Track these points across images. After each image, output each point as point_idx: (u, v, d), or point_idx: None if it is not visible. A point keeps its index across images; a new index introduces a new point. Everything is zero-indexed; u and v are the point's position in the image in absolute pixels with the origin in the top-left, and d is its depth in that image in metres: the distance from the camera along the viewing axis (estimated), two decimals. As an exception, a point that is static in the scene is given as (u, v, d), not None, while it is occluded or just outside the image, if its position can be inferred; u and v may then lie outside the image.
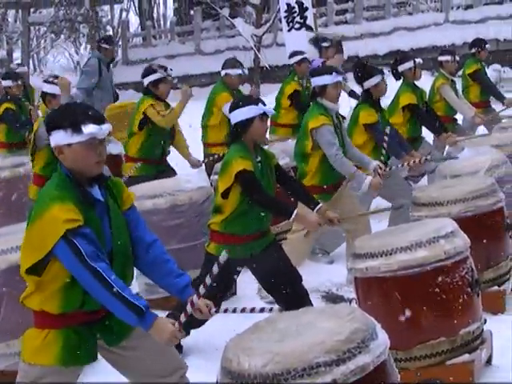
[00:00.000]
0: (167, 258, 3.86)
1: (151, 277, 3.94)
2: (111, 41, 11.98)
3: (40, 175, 7.16)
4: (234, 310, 3.82)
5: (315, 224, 5.40)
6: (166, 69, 7.99)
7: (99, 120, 3.63)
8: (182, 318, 3.64)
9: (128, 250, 3.78)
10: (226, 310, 3.86)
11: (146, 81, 7.93)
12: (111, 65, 11.82)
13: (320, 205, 5.56)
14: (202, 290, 3.65)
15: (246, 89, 13.64)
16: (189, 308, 3.64)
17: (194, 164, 8.22)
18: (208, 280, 3.63)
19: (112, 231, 3.69)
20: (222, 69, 9.31)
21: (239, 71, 9.23)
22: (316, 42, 11.33)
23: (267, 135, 7.89)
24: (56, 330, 3.65)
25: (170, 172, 8.07)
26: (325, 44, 11.42)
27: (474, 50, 10.63)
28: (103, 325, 3.74)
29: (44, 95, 7.57)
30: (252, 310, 3.80)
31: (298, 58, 10.28)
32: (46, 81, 7.77)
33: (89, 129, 3.55)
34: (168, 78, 7.92)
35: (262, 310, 3.81)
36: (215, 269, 3.54)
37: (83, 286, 3.51)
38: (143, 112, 7.73)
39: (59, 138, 3.59)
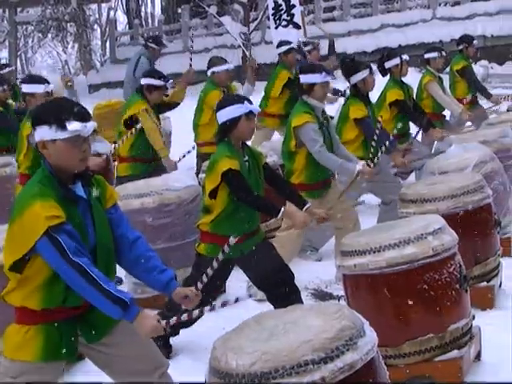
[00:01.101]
0: (150, 255, 3.87)
1: (135, 273, 3.95)
2: (160, 41, 11.97)
3: (26, 175, 7.13)
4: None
5: (302, 223, 5.41)
6: (167, 80, 7.97)
7: (84, 117, 3.62)
8: (172, 320, 3.65)
9: (111, 247, 3.78)
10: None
11: (144, 81, 7.91)
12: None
13: (308, 204, 5.57)
14: (198, 285, 3.69)
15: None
16: (172, 320, 3.66)
17: (170, 166, 8.03)
18: (209, 271, 3.67)
19: (95, 228, 3.69)
20: (208, 69, 9.30)
21: (225, 67, 9.21)
22: (298, 48, 11.31)
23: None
24: (37, 326, 3.64)
25: (162, 171, 8.07)
26: (307, 48, 11.43)
27: (461, 47, 10.65)
28: (84, 321, 3.74)
29: (24, 95, 7.55)
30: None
31: (286, 47, 10.28)
32: (22, 81, 7.77)
33: (73, 126, 3.55)
34: (164, 88, 7.92)
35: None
36: (220, 256, 3.58)
37: (67, 282, 3.51)
38: (135, 113, 7.74)
39: (43, 133, 3.59)
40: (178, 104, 8.62)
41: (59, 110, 3.60)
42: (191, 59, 9.65)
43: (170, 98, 8.43)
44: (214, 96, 8.86)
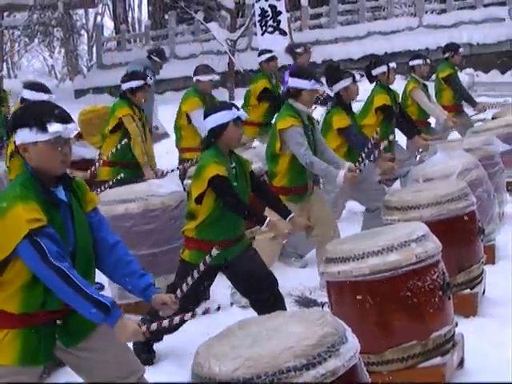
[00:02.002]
0: (130, 259, 3.88)
1: (114, 278, 3.95)
2: (163, 55, 11.95)
3: None
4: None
5: (286, 234, 5.46)
6: (145, 77, 7.98)
7: (65, 119, 3.62)
8: (154, 326, 3.65)
9: (90, 251, 3.78)
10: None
11: (125, 86, 7.92)
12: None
13: (292, 214, 5.58)
14: (178, 292, 3.69)
15: (219, 94, 13.70)
16: (154, 326, 3.65)
17: (149, 176, 7.91)
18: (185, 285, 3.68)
19: (75, 232, 3.69)
20: (194, 75, 9.36)
21: (210, 77, 9.28)
22: (290, 49, 11.37)
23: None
24: (15, 330, 3.63)
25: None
26: (298, 50, 11.46)
27: (447, 55, 10.70)
28: (63, 325, 3.73)
29: (23, 100, 7.44)
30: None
31: (267, 56, 10.38)
32: (25, 86, 7.63)
33: (54, 127, 3.55)
34: (146, 86, 7.93)
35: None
36: (202, 266, 3.59)
37: (48, 285, 3.50)
38: (119, 117, 7.74)
39: (24, 136, 3.59)
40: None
41: (39, 113, 3.60)
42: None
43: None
44: (193, 103, 8.97)
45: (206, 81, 9.27)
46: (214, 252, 3.74)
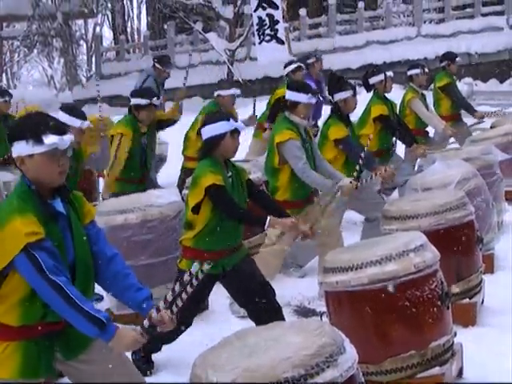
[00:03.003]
0: (127, 272, 3.86)
1: (111, 291, 3.95)
2: (165, 61, 11.50)
3: None
4: None
5: (290, 223, 5.34)
6: (153, 96, 7.92)
7: (61, 130, 3.62)
8: (146, 323, 3.63)
9: (89, 263, 3.77)
10: None
11: (132, 102, 7.89)
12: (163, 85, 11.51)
13: (293, 218, 5.56)
14: (169, 305, 3.66)
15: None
16: (146, 322, 3.64)
17: None
18: (184, 296, 3.66)
19: (74, 244, 3.68)
20: (216, 90, 9.43)
21: (231, 91, 9.29)
22: (302, 60, 11.39)
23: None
24: (15, 343, 3.62)
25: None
26: (310, 61, 11.48)
27: (444, 64, 10.70)
28: (63, 337, 3.73)
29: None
30: None
31: (293, 66, 10.47)
32: (62, 109, 7.33)
33: (50, 139, 3.55)
34: (151, 106, 7.86)
35: None
36: (186, 278, 3.56)
37: (44, 300, 3.50)
38: (112, 134, 7.74)
39: (21, 148, 3.58)
40: (176, 121, 8.63)
41: (35, 125, 3.60)
42: (186, 78, 9.66)
43: (167, 116, 8.42)
44: None
45: (227, 95, 9.28)
46: (206, 267, 3.72)
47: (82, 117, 7.00)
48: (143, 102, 7.80)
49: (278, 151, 6.49)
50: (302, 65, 10.65)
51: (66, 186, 3.73)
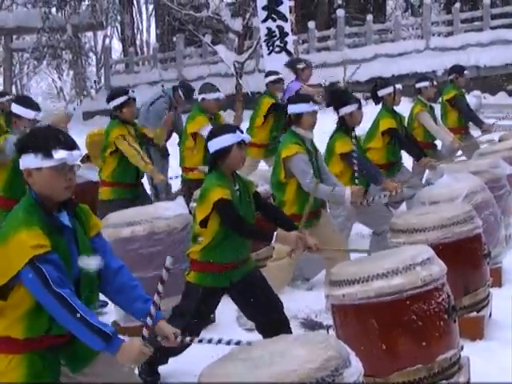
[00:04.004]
0: (134, 284, 3.88)
1: (118, 302, 3.96)
2: (189, 95, 10.74)
3: (1, 196, 7.07)
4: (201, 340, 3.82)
5: (296, 239, 5.29)
6: (127, 92, 7.99)
7: (70, 145, 3.64)
8: (144, 332, 3.64)
9: (94, 276, 3.78)
10: (200, 341, 3.86)
11: (111, 105, 7.95)
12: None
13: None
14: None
15: (227, 116, 13.69)
16: (144, 331, 3.64)
17: (157, 179, 8.13)
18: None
19: (80, 257, 3.69)
20: (199, 93, 9.28)
21: (215, 95, 9.19)
22: (291, 64, 11.38)
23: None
24: (20, 356, 3.62)
25: (145, 197, 8.10)
26: (300, 66, 11.49)
27: (452, 77, 10.70)
28: (68, 350, 3.73)
29: (10, 114, 7.41)
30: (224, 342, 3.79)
31: (274, 77, 10.39)
32: (15, 100, 7.61)
33: (59, 154, 3.57)
34: (130, 101, 7.92)
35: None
36: (165, 275, 3.59)
37: (49, 312, 3.51)
38: (113, 141, 7.77)
39: (29, 161, 3.60)
40: (158, 144, 8.69)
41: (45, 138, 3.62)
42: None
43: (152, 136, 8.40)
44: (200, 121, 8.91)
45: (212, 99, 9.19)
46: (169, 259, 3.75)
47: (36, 108, 7.14)
48: (122, 99, 7.85)
49: (285, 165, 6.49)
50: (283, 78, 10.59)
51: (72, 199, 3.74)
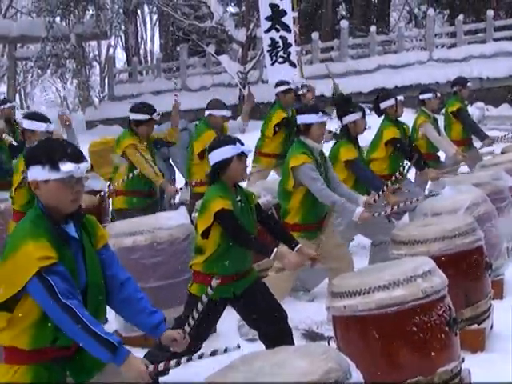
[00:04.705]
0: (140, 296, 3.89)
1: (124, 314, 3.96)
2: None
3: (20, 212, 7.12)
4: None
5: (294, 265, 5.33)
6: (153, 112, 7.98)
7: (77, 158, 3.64)
8: (161, 366, 3.64)
9: (101, 287, 3.79)
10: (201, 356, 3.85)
11: (131, 117, 7.96)
12: None
13: (300, 245, 5.55)
14: (186, 328, 3.68)
15: (230, 126, 13.66)
16: (172, 363, 3.64)
17: (169, 190, 8.16)
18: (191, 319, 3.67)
19: (86, 269, 3.70)
20: (207, 109, 9.27)
21: (223, 113, 9.18)
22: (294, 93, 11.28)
23: (249, 168, 7.94)
24: (26, 366, 3.63)
25: (157, 206, 8.12)
26: (302, 91, 11.49)
27: (455, 89, 10.71)
28: (74, 361, 3.74)
29: (24, 131, 7.56)
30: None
31: (284, 87, 10.33)
32: (25, 117, 7.75)
33: (66, 167, 3.58)
34: (151, 121, 7.93)
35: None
36: (204, 298, 3.58)
37: (56, 323, 3.51)
38: (123, 150, 7.78)
39: (36, 173, 3.62)
40: (174, 143, 8.67)
41: (53, 151, 3.63)
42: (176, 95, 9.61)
43: (165, 138, 8.46)
44: (209, 136, 8.88)
45: (219, 116, 9.19)
46: (214, 282, 3.75)
47: (46, 120, 7.35)
48: (144, 117, 7.87)
49: (293, 175, 6.48)
50: (294, 88, 10.56)
51: (79, 211, 3.75)
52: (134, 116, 7.94)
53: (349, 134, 7.43)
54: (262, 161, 10.10)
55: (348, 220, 6.83)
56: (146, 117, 7.89)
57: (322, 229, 6.61)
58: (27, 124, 7.46)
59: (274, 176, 10.24)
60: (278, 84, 10.56)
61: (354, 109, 7.46)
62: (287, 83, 10.49)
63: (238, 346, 3.82)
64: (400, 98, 8.93)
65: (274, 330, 5.31)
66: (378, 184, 7.26)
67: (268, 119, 10.27)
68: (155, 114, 7.94)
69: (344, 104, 7.61)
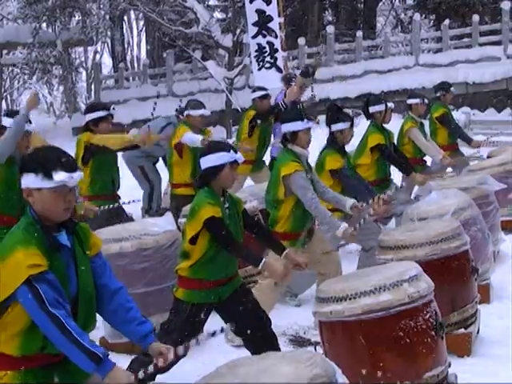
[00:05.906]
0: (130, 306, 3.89)
1: (113, 323, 3.95)
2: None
3: None
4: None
5: (282, 276, 5.33)
6: (108, 108, 7.97)
7: (71, 168, 3.64)
8: (141, 374, 3.62)
9: (92, 296, 3.79)
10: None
11: (88, 118, 7.92)
12: None
13: (287, 250, 5.53)
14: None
15: (216, 132, 13.66)
16: (141, 374, 3.62)
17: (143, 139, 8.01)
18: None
19: (78, 277, 3.70)
20: (185, 110, 9.26)
21: (200, 112, 9.13)
22: (287, 80, 11.31)
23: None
24: (14, 372, 3.62)
25: (120, 211, 8.08)
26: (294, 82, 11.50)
27: (439, 94, 10.76)
28: (62, 368, 3.72)
29: (1, 128, 7.38)
30: None
31: (261, 93, 10.34)
32: (6, 114, 7.57)
33: (59, 176, 3.57)
34: (108, 117, 7.91)
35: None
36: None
37: (43, 331, 3.50)
38: (85, 145, 7.73)
39: (29, 181, 3.61)
40: (138, 147, 8.52)
41: (46, 159, 3.62)
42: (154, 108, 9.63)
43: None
44: (180, 131, 8.86)
45: (196, 116, 9.14)
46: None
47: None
48: (100, 113, 7.84)
49: (285, 184, 6.45)
50: (270, 94, 10.57)
51: (71, 219, 3.74)
52: (92, 115, 7.90)
53: (335, 143, 7.42)
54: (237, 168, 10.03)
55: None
56: (101, 113, 7.86)
57: (310, 236, 6.62)
58: (6, 121, 7.25)
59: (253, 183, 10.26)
60: (256, 90, 10.59)
61: (344, 117, 7.45)
62: (264, 89, 10.51)
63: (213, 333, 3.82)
64: (390, 105, 8.95)
65: (258, 336, 5.31)
66: (363, 193, 7.23)
67: (241, 124, 10.32)
68: (111, 108, 7.93)
69: (335, 112, 7.59)
